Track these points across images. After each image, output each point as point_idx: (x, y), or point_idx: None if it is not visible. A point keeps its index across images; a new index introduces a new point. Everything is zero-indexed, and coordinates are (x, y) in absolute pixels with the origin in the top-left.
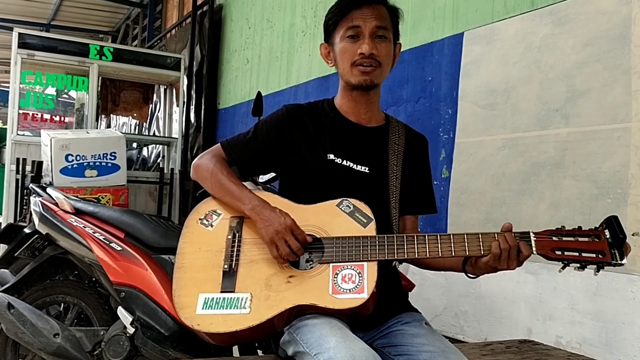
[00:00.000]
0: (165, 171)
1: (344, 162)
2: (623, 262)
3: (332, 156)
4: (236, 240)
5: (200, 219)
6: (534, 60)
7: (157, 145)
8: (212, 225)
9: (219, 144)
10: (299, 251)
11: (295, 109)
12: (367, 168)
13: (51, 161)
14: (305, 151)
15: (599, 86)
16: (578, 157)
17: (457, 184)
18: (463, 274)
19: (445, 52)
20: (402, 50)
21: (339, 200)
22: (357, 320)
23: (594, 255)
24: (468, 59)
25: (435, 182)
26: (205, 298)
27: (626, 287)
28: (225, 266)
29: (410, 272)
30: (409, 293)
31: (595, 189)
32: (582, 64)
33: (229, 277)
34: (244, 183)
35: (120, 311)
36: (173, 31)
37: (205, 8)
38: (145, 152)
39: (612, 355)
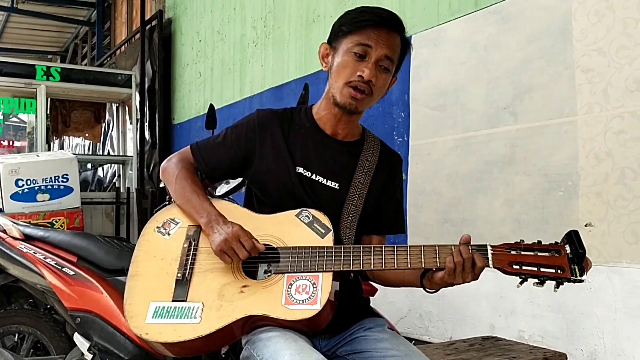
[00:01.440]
0: (121, 190)
1: (313, 176)
2: (583, 278)
3: (300, 169)
4: (192, 249)
5: (157, 227)
6: (481, 59)
7: (113, 165)
8: (169, 234)
9: (188, 147)
10: (245, 257)
11: (267, 115)
12: (337, 184)
13: (0, 187)
14: (273, 161)
15: (544, 82)
16: (528, 153)
17: (414, 185)
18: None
19: None
20: None
21: (298, 210)
22: (315, 330)
23: (553, 271)
24: (417, 62)
25: None
26: (156, 307)
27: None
28: (179, 275)
29: None
30: (372, 298)
31: (547, 183)
32: (527, 60)
33: (182, 286)
34: None
35: (77, 337)
36: (122, 48)
37: (154, 23)
38: (100, 172)
39: (573, 345)
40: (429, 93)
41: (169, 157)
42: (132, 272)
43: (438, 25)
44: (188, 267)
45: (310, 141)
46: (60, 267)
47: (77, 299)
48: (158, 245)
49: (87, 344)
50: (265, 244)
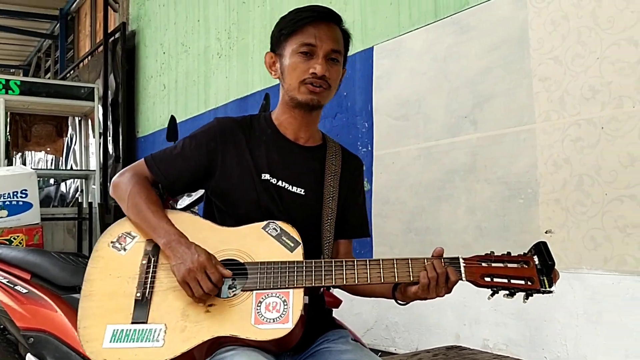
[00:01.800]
0: (84, 206)
1: (279, 183)
2: (552, 289)
3: (267, 176)
4: (151, 266)
5: (112, 242)
6: (441, 69)
7: (76, 180)
8: (125, 249)
9: (142, 160)
10: (212, 291)
11: (228, 123)
12: (302, 190)
13: None
14: (237, 169)
15: (503, 91)
16: (488, 161)
17: (378, 195)
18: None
19: (358, 67)
20: None
21: (265, 222)
22: (284, 349)
23: (522, 282)
24: (379, 72)
25: None
26: (114, 330)
27: None
28: (138, 294)
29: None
30: (338, 309)
31: (507, 190)
32: (486, 70)
33: (142, 306)
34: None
35: (30, 358)
36: (86, 61)
37: (117, 35)
38: (63, 187)
39: (537, 352)
40: (392, 103)
41: (121, 172)
42: (85, 292)
43: (399, 36)
44: (148, 285)
45: (273, 147)
46: (12, 285)
47: (30, 318)
48: (113, 262)
49: None
50: (231, 259)
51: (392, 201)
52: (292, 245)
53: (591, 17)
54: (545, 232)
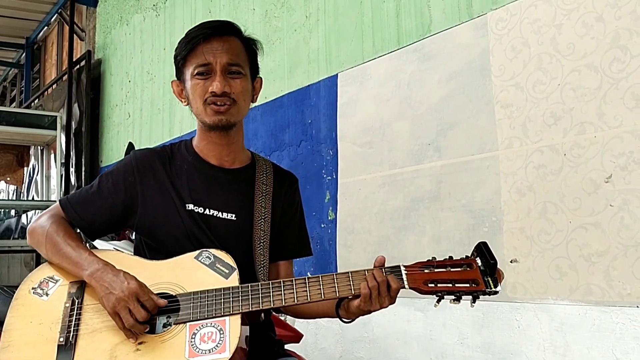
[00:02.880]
0: None
1: (207, 211)
2: (497, 289)
3: (191, 206)
4: (76, 308)
5: (33, 289)
6: (404, 97)
7: (38, 211)
8: (47, 294)
9: (57, 203)
10: (144, 319)
11: (145, 155)
12: (233, 215)
13: None
14: (160, 202)
15: (465, 117)
16: (452, 189)
17: (343, 224)
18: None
19: (322, 94)
20: (282, 94)
21: (197, 252)
22: None
23: (467, 285)
24: (344, 99)
25: (322, 225)
26: None
27: (510, 315)
28: (61, 339)
29: (303, 321)
30: (300, 344)
31: (472, 218)
32: (449, 97)
33: (65, 352)
34: (114, 242)
35: None
36: (50, 89)
37: (83, 63)
38: (24, 219)
39: None
40: (356, 130)
41: (36, 218)
42: (4, 343)
43: (363, 63)
44: (72, 329)
45: (195, 175)
46: None
47: None
48: (34, 309)
49: None
50: (162, 293)
51: (357, 230)
52: (227, 271)
53: (551, 44)
54: (510, 262)
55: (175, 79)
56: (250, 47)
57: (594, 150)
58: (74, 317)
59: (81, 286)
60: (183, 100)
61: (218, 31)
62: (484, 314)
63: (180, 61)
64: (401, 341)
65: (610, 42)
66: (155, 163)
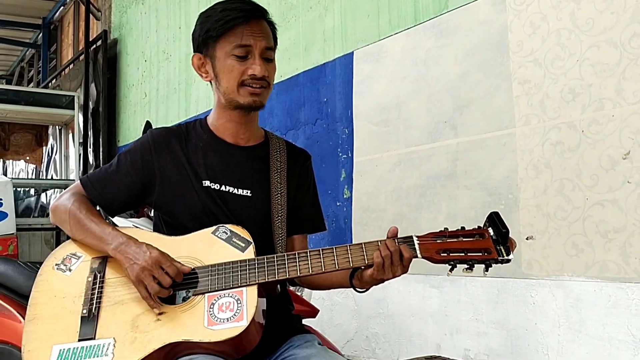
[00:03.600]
0: None
1: (223, 188)
2: (510, 257)
3: (207, 182)
4: (98, 282)
5: (56, 265)
6: (421, 74)
7: (56, 190)
8: (70, 270)
9: (78, 182)
10: (169, 285)
11: (161, 134)
12: (248, 191)
13: None
14: (177, 180)
15: (482, 95)
16: (469, 167)
17: (359, 203)
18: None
19: (338, 72)
20: (297, 72)
21: (214, 227)
22: (243, 351)
23: (480, 254)
24: (359, 77)
25: (337, 203)
26: (60, 350)
27: (525, 292)
28: (84, 311)
29: (319, 297)
30: (316, 319)
31: (488, 196)
32: (466, 74)
33: (89, 323)
34: (133, 219)
35: None
36: (67, 69)
37: (99, 43)
38: (43, 198)
39: None
40: (372, 108)
41: (58, 196)
42: (29, 316)
43: (379, 41)
44: (95, 301)
45: (211, 152)
46: None
47: None
48: (58, 284)
49: None
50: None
51: (372, 208)
52: (243, 245)
53: (570, 19)
54: (527, 239)
55: (197, 52)
56: (274, 31)
57: (612, 126)
58: (96, 290)
59: (103, 261)
60: (204, 74)
61: (256, 14)
62: (499, 291)
63: (212, 37)
64: (416, 317)
65: (630, 17)
66: (172, 141)
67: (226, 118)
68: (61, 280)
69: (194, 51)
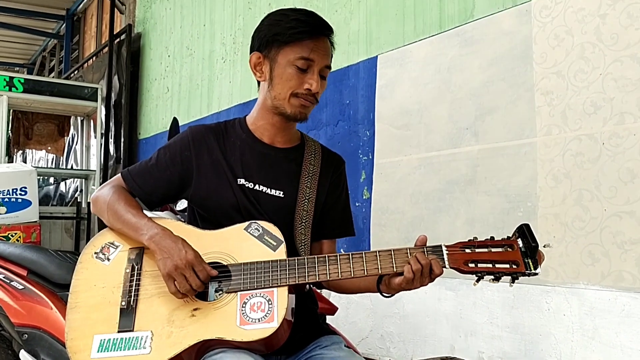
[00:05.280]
0: (82, 206)
1: (256, 187)
2: (537, 271)
3: (242, 181)
4: (135, 274)
5: (95, 253)
6: (444, 81)
7: (76, 180)
8: (108, 259)
9: (119, 175)
10: (199, 288)
11: (200, 131)
12: (281, 192)
13: None
14: (213, 176)
15: (504, 104)
16: (489, 173)
17: (377, 204)
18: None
19: (361, 75)
20: None
21: (247, 223)
22: (271, 349)
23: (507, 266)
24: (383, 81)
25: (357, 204)
26: (101, 340)
27: (541, 298)
28: (123, 303)
29: (335, 294)
30: (333, 317)
31: (507, 203)
32: (489, 82)
33: (127, 314)
34: (158, 212)
35: (23, 355)
36: (90, 61)
37: (123, 37)
38: (62, 187)
39: None
40: (394, 112)
41: (99, 187)
42: (71, 304)
43: (404, 46)
44: (132, 293)
45: (248, 152)
46: (8, 281)
47: (25, 315)
48: (97, 273)
49: None
50: (214, 262)
51: (391, 210)
52: (275, 244)
53: (595, 34)
54: (544, 246)
55: (257, 51)
56: (332, 52)
57: (633, 140)
58: (134, 282)
59: (140, 253)
60: (258, 73)
61: (324, 32)
62: (514, 295)
63: (277, 42)
64: (431, 318)
65: None
66: (210, 139)
67: (267, 120)
68: (100, 269)
69: (254, 49)
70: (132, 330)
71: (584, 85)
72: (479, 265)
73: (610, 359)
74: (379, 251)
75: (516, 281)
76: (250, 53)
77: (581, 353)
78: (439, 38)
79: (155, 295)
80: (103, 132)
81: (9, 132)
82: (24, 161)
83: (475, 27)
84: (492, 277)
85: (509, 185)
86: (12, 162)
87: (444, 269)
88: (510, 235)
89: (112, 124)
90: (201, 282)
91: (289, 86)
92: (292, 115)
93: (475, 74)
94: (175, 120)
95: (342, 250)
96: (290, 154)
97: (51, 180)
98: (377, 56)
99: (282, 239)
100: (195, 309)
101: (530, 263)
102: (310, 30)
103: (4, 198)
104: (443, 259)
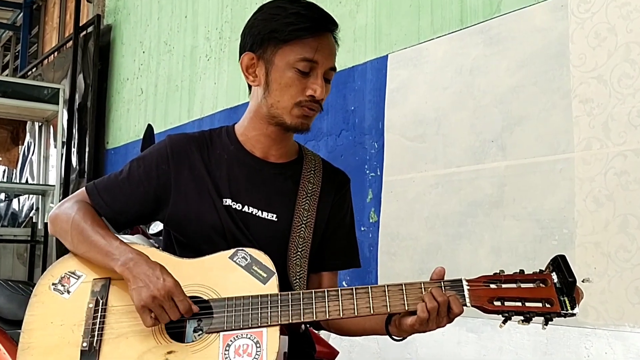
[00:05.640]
0: (39, 227)
1: (245, 209)
2: (575, 311)
3: (229, 201)
4: (100, 310)
5: (53, 284)
6: (466, 84)
7: (31, 196)
8: (68, 292)
9: (83, 189)
10: (177, 318)
11: (181, 141)
12: (275, 215)
13: None
14: (195, 195)
15: (537, 112)
16: (518, 194)
17: (387, 229)
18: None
19: (369, 77)
20: None
21: (232, 250)
22: None
23: (540, 305)
24: (394, 84)
25: (362, 229)
26: None
27: (579, 342)
28: (84, 344)
29: (336, 336)
30: None
31: (539, 229)
32: (518, 87)
33: (89, 357)
34: (127, 235)
35: None
36: (51, 57)
37: (90, 29)
38: (15, 204)
39: None
40: (407, 121)
41: (59, 203)
42: (23, 345)
43: (418, 44)
44: (96, 333)
45: (236, 167)
46: None
47: None
48: (55, 308)
49: None
50: (193, 297)
51: (402, 236)
52: (265, 275)
53: None
54: (582, 281)
55: (250, 51)
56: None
57: None
58: (98, 319)
59: (106, 284)
60: (251, 77)
61: (329, 27)
62: (547, 339)
63: (275, 40)
64: None
65: None
66: (192, 150)
67: (260, 131)
68: (59, 303)
69: (245, 48)
70: None
71: (630, 92)
72: (506, 303)
73: None
74: (387, 285)
75: (550, 322)
76: (241, 53)
77: None
78: (460, 35)
79: (122, 335)
80: (65, 140)
81: None
82: None
83: (502, 22)
84: (522, 317)
85: (541, 208)
86: None
87: (464, 307)
88: (544, 269)
89: (75, 131)
90: (180, 315)
91: (291, 95)
92: (293, 125)
93: (502, 78)
94: (150, 128)
95: (344, 283)
96: (286, 171)
97: (2, 196)
98: (387, 55)
99: (274, 270)
100: (169, 352)
101: (567, 301)
102: (312, 26)
103: None
104: (464, 295)
